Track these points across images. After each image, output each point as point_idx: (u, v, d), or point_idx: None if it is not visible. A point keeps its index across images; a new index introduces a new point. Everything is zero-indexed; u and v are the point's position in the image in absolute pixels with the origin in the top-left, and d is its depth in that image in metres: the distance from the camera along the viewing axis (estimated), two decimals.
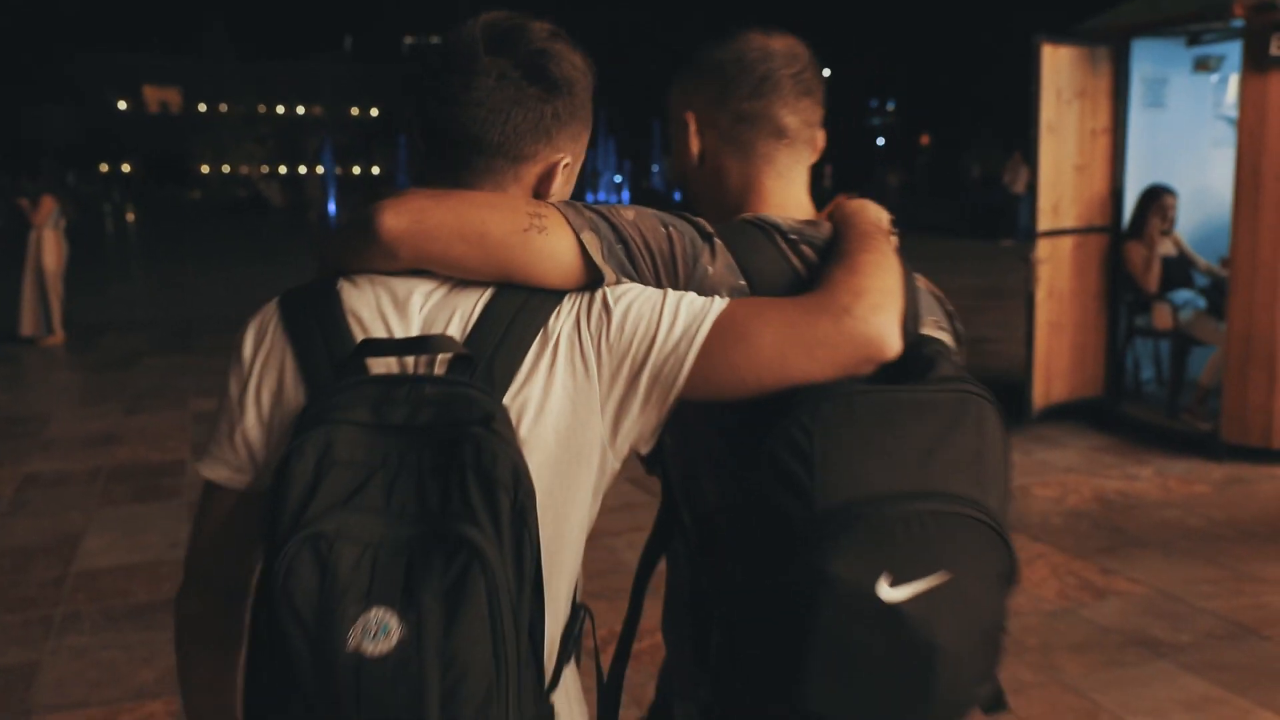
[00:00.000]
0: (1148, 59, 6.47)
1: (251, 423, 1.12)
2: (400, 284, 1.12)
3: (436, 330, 1.09)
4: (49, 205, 10.67)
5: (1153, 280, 6.27)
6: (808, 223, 1.28)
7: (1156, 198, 6.24)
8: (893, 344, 1.09)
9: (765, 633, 1.06)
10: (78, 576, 4.42)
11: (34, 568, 4.54)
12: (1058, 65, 5.94)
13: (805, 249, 1.24)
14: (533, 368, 1.08)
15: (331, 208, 37.33)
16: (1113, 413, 6.49)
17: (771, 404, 1.08)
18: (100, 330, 11.41)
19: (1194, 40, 6.54)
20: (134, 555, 4.66)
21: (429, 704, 0.90)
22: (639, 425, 1.13)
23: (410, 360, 1.08)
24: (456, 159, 1.15)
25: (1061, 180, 6.11)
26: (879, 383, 1.08)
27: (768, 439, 1.05)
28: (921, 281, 1.33)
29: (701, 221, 1.22)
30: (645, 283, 1.15)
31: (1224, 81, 6.77)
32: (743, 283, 1.19)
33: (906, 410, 1.06)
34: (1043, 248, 6.04)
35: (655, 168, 51.94)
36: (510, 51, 1.13)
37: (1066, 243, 6.23)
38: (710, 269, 1.18)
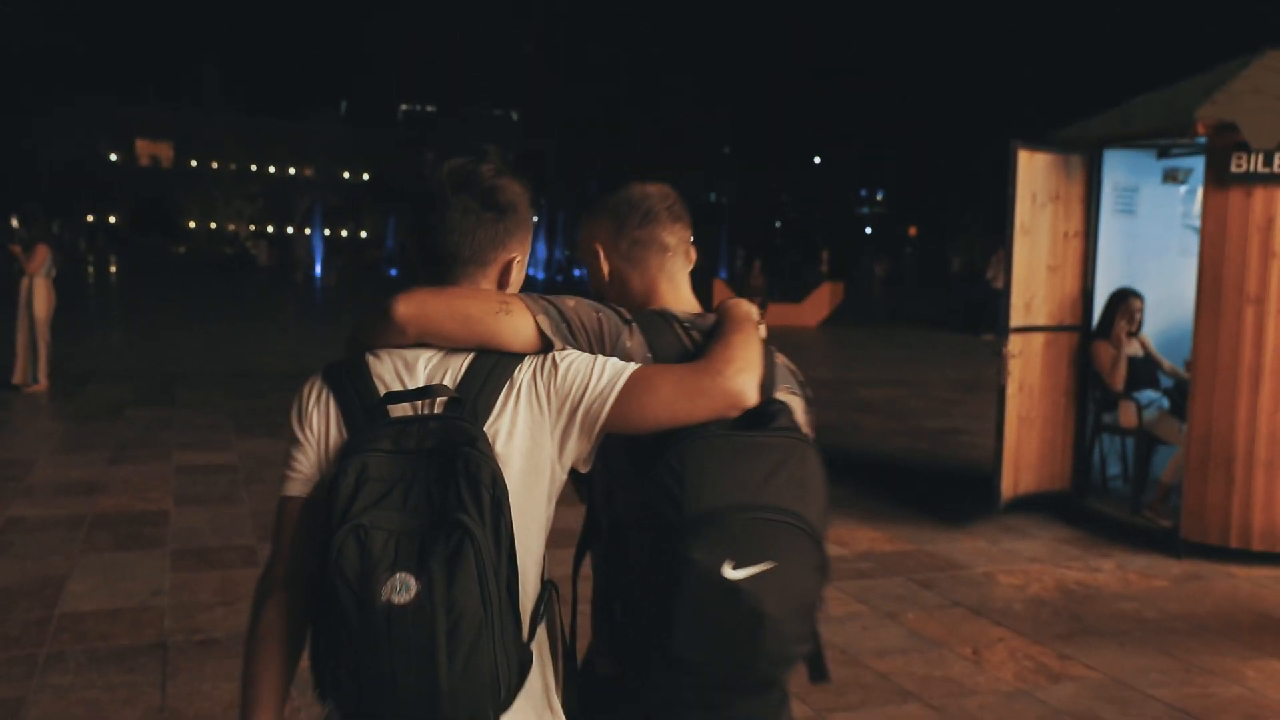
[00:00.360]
0: (1119, 168, 6.79)
1: (311, 454, 1.58)
2: (409, 353, 1.58)
3: (435, 382, 1.54)
4: (43, 254, 10.82)
5: (1119, 379, 6.50)
6: (697, 315, 1.76)
7: (1124, 300, 6.50)
8: (751, 397, 1.55)
9: (648, 600, 1.50)
10: (61, 619, 4.50)
11: (17, 609, 4.60)
12: (1033, 170, 6.23)
13: (695, 333, 1.70)
14: (503, 406, 1.53)
15: (318, 269, 37.51)
16: (1078, 506, 6.68)
17: (661, 439, 1.52)
18: (83, 380, 11.49)
19: (1163, 153, 6.88)
20: (117, 601, 4.74)
21: (439, 638, 1.34)
22: (577, 448, 1.58)
23: (419, 404, 1.52)
24: (443, 268, 1.63)
25: (1035, 279, 6.37)
26: (737, 428, 1.54)
27: (655, 465, 1.51)
28: (780, 358, 1.77)
29: (623, 310, 1.70)
30: (581, 349, 1.60)
31: (1192, 192, 7.08)
32: (649, 354, 1.66)
33: (751, 449, 1.52)
34: (1015, 343, 6.27)
35: None
36: (469, 190, 1.62)
37: (1038, 339, 6.47)
38: (629, 343, 1.65)
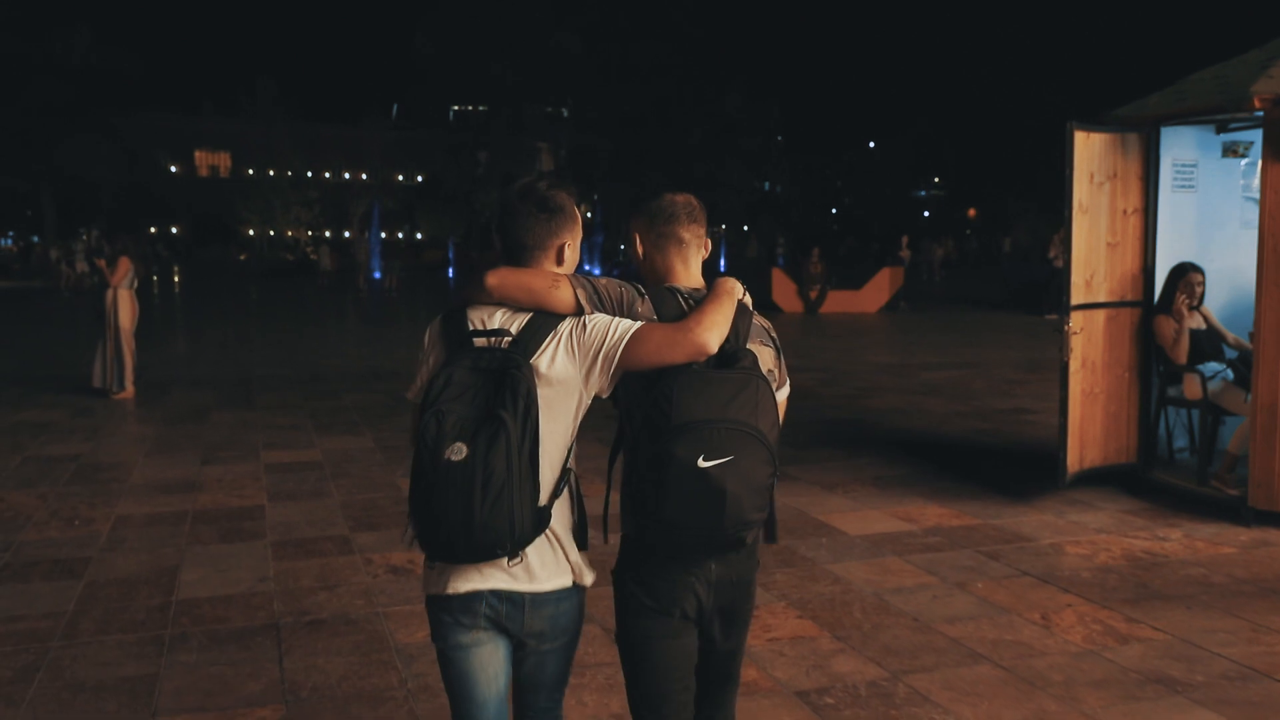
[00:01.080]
0: (1178, 144, 6.85)
1: (423, 371, 2.38)
2: (492, 309, 2.36)
3: (507, 329, 2.31)
4: (125, 266, 11.29)
5: (1181, 353, 6.58)
6: (696, 289, 2.47)
7: (1183, 274, 6.58)
8: (711, 347, 2.25)
9: (649, 482, 2.22)
10: (179, 604, 4.82)
11: (138, 596, 4.94)
12: (1090, 150, 6.33)
13: (691, 302, 2.41)
14: (545, 347, 2.28)
15: (376, 274, 38.11)
16: (1144, 479, 6.77)
17: (659, 374, 2.25)
18: (166, 386, 11.95)
19: (1222, 127, 6.93)
20: (227, 588, 5.06)
21: (475, 486, 2.10)
22: (599, 381, 2.31)
23: (491, 340, 2.28)
24: (516, 253, 2.39)
25: (1095, 257, 6.47)
26: (711, 367, 2.26)
27: (653, 391, 2.23)
28: (758, 319, 2.48)
29: (639, 286, 2.44)
30: (607, 313, 2.34)
31: (1253, 165, 7.09)
32: (655, 316, 2.36)
33: (718, 380, 2.24)
34: (1076, 320, 6.38)
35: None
36: (530, 199, 2.38)
37: (1100, 316, 6.57)
38: (640, 309, 2.38)
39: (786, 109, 64.11)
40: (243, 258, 62.52)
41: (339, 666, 4.10)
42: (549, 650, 2.38)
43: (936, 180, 72.85)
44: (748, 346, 2.37)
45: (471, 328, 2.33)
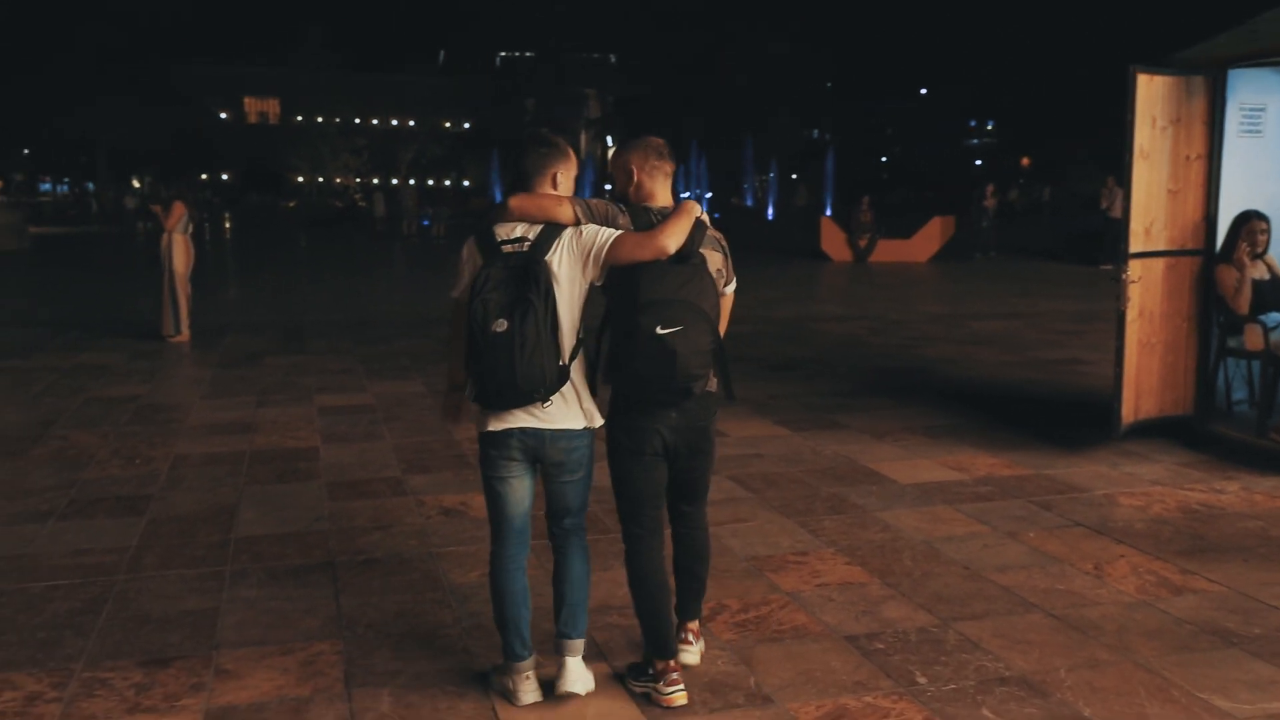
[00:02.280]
0: (1247, 87, 6.65)
1: (465, 275, 3.24)
2: (513, 224, 3.22)
3: (526, 237, 3.18)
4: (179, 211, 11.42)
5: (1243, 303, 6.44)
6: (664, 208, 3.30)
7: (1246, 222, 6.42)
8: (670, 249, 3.10)
9: (623, 345, 3.08)
10: (238, 542, 4.92)
11: (199, 533, 5.05)
12: (1153, 93, 6.17)
13: (660, 217, 3.23)
14: (555, 249, 3.17)
15: (425, 221, 38.16)
16: (1202, 431, 6.67)
17: (633, 268, 3.12)
18: (221, 331, 12.13)
19: None
20: (284, 526, 5.16)
21: (514, 349, 3.00)
22: (593, 272, 3.19)
23: (515, 245, 3.16)
24: (523, 179, 3.28)
25: (1154, 204, 6.33)
26: (669, 263, 3.11)
27: (628, 279, 3.12)
28: (712, 231, 3.33)
29: (621, 205, 3.31)
30: (597, 224, 3.22)
31: None
32: (632, 227, 3.21)
33: (674, 272, 3.11)
34: (1134, 269, 6.26)
35: (747, 185, 52.15)
36: (533, 139, 3.34)
37: (1158, 264, 6.44)
38: (620, 221, 3.24)
39: (838, 54, 63.05)
40: (291, 205, 62.91)
41: (394, 604, 4.18)
42: (569, 482, 3.30)
43: (990, 127, 71.44)
44: (700, 251, 3.22)
45: (499, 239, 3.19)
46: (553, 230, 3.17)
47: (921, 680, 3.53)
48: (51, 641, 3.83)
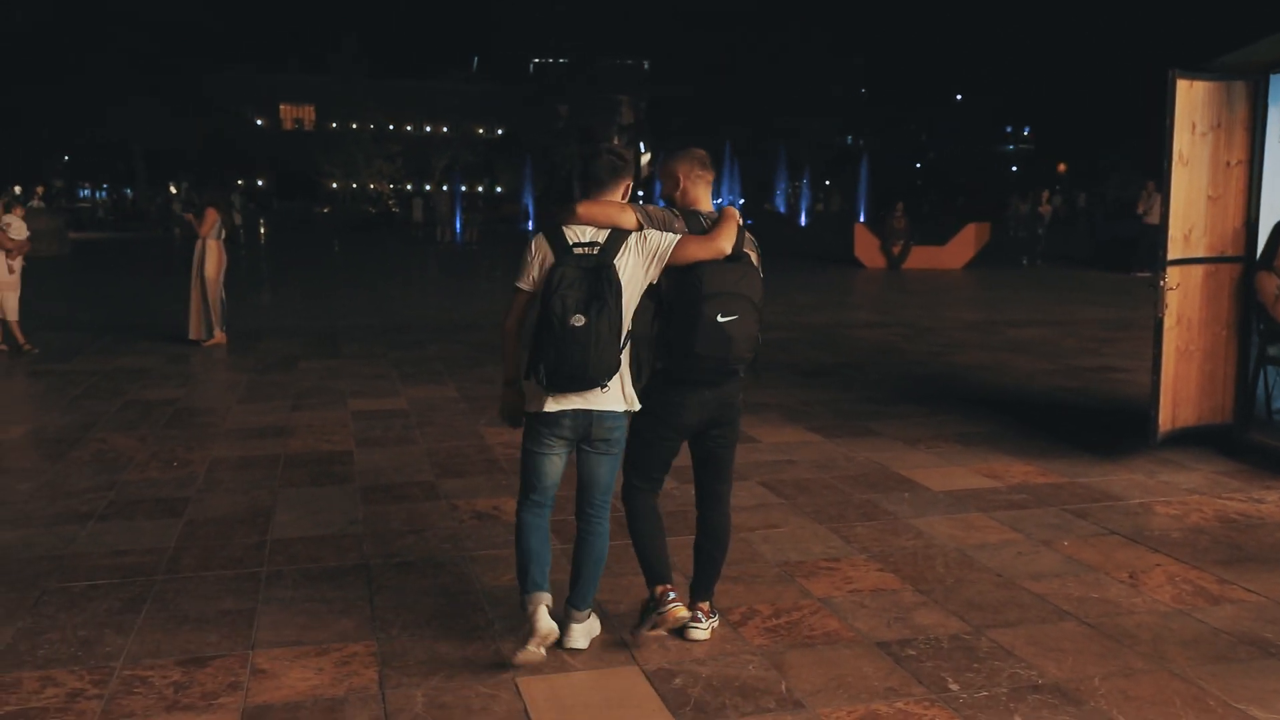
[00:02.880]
0: None
1: (534, 270, 3.59)
2: (583, 227, 3.59)
3: (596, 240, 3.55)
4: (213, 217, 11.55)
5: None
6: (709, 213, 3.75)
7: None
8: (727, 250, 3.60)
9: (686, 330, 3.55)
10: (274, 544, 4.98)
11: (235, 535, 5.11)
12: (1193, 99, 6.11)
13: (708, 221, 3.70)
14: (621, 253, 3.55)
15: (458, 225, 38.35)
16: (1240, 440, 6.59)
17: (692, 267, 3.58)
18: (256, 336, 12.25)
19: None
20: (319, 529, 5.21)
21: (590, 341, 3.39)
22: (655, 271, 3.60)
23: (586, 248, 3.53)
24: (596, 189, 3.67)
25: (1194, 210, 6.27)
26: (724, 262, 3.59)
27: (690, 275, 3.57)
28: (747, 235, 3.72)
29: (677, 211, 3.76)
30: (656, 229, 3.63)
31: None
32: (687, 230, 3.66)
33: (730, 269, 3.59)
34: (1173, 275, 6.20)
35: (779, 190, 52.03)
36: (610, 154, 3.75)
37: (1197, 271, 6.38)
38: (677, 225, 3.67)
39: (871, 60, 62.83)
40: (325, 210, 63.41)
41: (427, 607, 4.21)
42: (605, 457, 3.73)
43: (1025, 133, 70.88)
44: (745, 250, 3.71)
45: (570, 241, 3.56)
46: (619, 235, 3.56)
47: (954, 687, 3.52)
48: (93, 640, 3.89)
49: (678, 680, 3.58)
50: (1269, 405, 6.94)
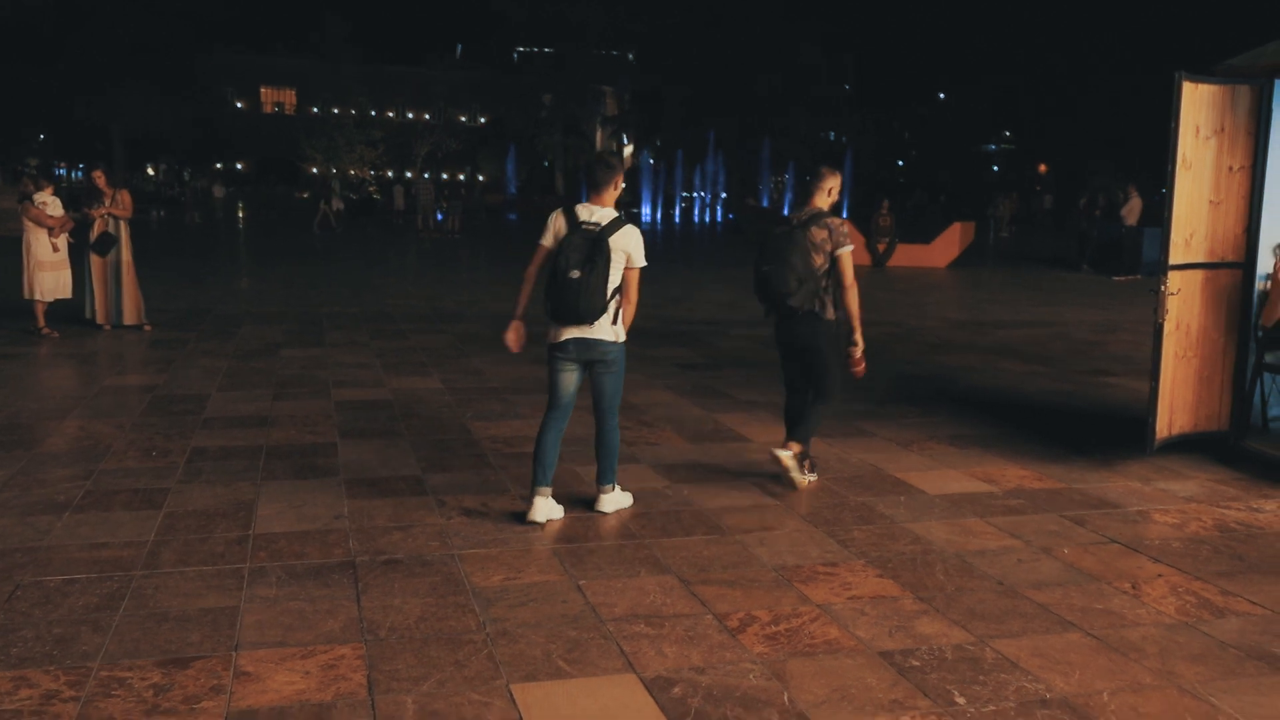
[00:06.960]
0: None
1: (551, 234, 5.00)
2: (590, 209, 5.01)
3: (598, 221, 4.96)
4: (128, 199, 11.40)
5: (1268, 314, 6.31)
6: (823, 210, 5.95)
7: None
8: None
9: (761, 280, 5.69)
10: (257, 539, 4.84)
11: (217, 529, 4.97)
12: (1198, 102, 6.04)
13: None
14: (618, 231, 4.92)
15: (439, 215, 38.05)
16: (1237, 447, 6.54)
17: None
18: (236, 322, 12.07)
19: None
20: (303, 524, 5.07)
21: (582, 291, 4.83)
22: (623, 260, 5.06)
23: (591, 225, 4.92)
24: (595, 186, 5.06)
25: (1195, 215, 6.20)
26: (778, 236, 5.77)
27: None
28: (830, 220, 5.69)
29: (840, 219, 5.88)
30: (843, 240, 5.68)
31: None
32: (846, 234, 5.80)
33: (777, 237, 5.69)
34: (1173, 281, 6.13)
35: (763, 186, 51.97)
36: (606, 157, 5.09)
37: (1196, 276, 6.31)
38: (846, 229, 5.83)
39: (859, 58, 62.81)
40: (304, 196, 62.82)
41: (416, 608, 4.09)
42: (604, 374, 5.07)
43: (1007, 134, 71.06)
44: (811, 228, 5.57)
45: (580, 218, 4.90)
46: (616, 218, 4.94)
47: (960, 700, 3.43)
48: (68, 638, 3.75)
49: (676, 689, 3.47)
50: (1265, 413, 6.90)
